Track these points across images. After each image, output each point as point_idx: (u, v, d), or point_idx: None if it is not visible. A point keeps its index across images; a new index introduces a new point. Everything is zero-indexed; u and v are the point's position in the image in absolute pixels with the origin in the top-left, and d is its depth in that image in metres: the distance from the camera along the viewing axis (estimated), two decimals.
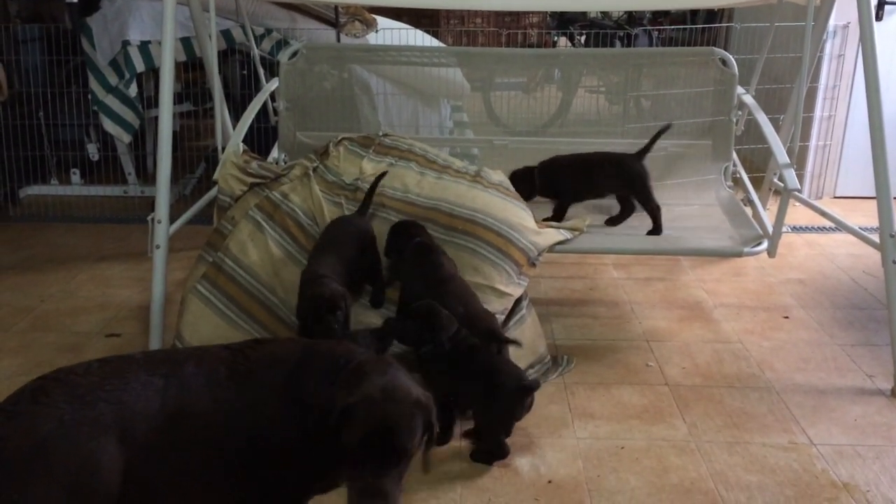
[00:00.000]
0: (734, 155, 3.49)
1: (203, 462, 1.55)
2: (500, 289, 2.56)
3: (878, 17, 4.50)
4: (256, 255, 2.59)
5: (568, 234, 2.87)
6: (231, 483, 1.58)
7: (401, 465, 1.50)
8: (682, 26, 5.45)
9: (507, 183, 2.94)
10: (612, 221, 3.10)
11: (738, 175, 3.55)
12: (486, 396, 2.15)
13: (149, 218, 2.76)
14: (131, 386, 1.52)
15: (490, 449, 2.20)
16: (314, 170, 2.83)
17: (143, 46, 4.21)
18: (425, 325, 2.15)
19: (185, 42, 4.17)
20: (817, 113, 4.69)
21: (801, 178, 4.67)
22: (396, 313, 2.45)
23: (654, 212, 3.00)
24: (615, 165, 3.06)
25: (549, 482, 2.09)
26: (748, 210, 3.28)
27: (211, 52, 3.25)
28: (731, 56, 3.43)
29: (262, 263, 2.58)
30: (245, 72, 4.55)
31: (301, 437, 1.57)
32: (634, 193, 3.04)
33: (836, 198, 4.86)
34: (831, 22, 4.13)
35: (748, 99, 3.39)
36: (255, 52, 3.81)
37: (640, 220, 3.31)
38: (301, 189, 2.74)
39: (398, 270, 2.54)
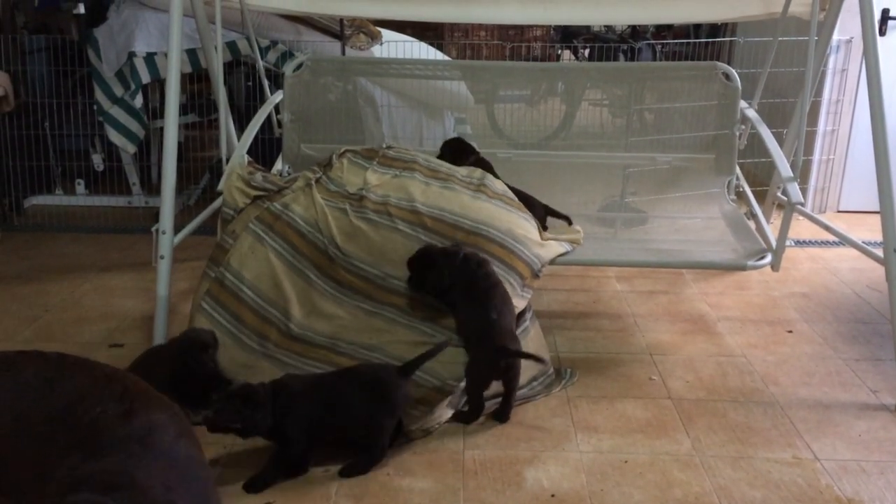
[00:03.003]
0: (737, 168, 3.50)
1: None
2: None
3: (882, 32, 4.51)
4: (257, 269, 2.59)
5: (569, 247, 2.87)
6: None
7: None
8: (685, 40, 5.47)
9: (510, 193, 2.94)
10: None
11: (741, 189, 3.56)
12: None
13: (153, 228, 2.77)
14: None
15: (472, 409, 2.37)
16: (317, 180, 2.84)
17: (149, 58, 4.23)
18: (243, 407, 2.03)
19: (191, 54, 4.19)
20: (821, 127, 4.70)
21: (804, 192, 4.68)
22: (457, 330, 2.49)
23: None
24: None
25: (553, 496, 2.08)
26: (751, 224, 3.28)
27: (216, 64, 3.26)
28: (734, 70, 3.44)
29: (262, 276, 2.58)
30: (250, 83, 4.57)
31: None
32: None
33: (839, 212, 4.86)
34: (835, 37, 4.14)
35: (751, 113, 3.40)
36: (261, 64, 3.83)
37: (644, 233, 3.32)
38: (303, 199, 2.75)
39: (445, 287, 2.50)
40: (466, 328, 2.42)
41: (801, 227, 4.35)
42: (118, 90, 4.32)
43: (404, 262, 2.58)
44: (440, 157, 3.13)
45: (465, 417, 2.40)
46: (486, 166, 3.10)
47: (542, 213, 2.99)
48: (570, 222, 3.04)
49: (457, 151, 3.18)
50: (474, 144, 3.75)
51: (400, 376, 2.18)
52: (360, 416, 2.14)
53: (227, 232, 2.75)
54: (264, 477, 2.10)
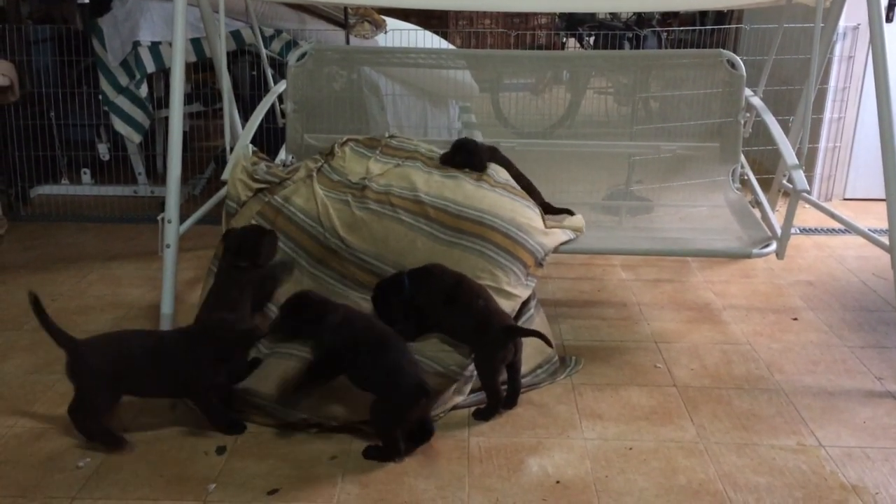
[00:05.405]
0: (742, 157, 3.49)
1: None
2: (508, 290, 2.56)
3: (889, 19, 4.48)
4: None
5: (572, 235, 2.87)
6: None
7: None
8: (691, 28, 5.45)
9: (513, 182, 2.93)
10: None
11: (746, 177, 3.55)
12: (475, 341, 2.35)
13: (159, 217, 2.78)
14: None
15: (492, 401, 2.36)
16: (318, 170, 2.84)
17: (154, 47, 4.23)
18: (304, 318, 2.21)
19: (196, 43, 4.19)
20: (827, 115, 4.68)
21: (810, 179, 4.68)
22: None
23: None
24: None
25: (557, 483, 2.09)
26: (757, 212, 3.27)
27: (221, 53, 3.26)
28: (738, 58, 3.42)
29: None
30: (255, 73, 4.56)
31: None
32: None
33: (845, 200, 4.85)
34: (841, 23, 4.12)
35: (756, 101, 3.39)
36: (264, 54, 3.82)
37: (649, 221, 3.32)
38: (304, 190, 2.74)
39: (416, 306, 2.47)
40: (462, 328, 2.40)
41: (806, 215, 4.34)
42: (123, 80, 4.32)
43: (406, 252, 2.59)
44: (449, 159, 2.90)
45: (487, 413, 2.38)
46: (498, 157, 3.00)
47: (540, 203, 2.96)
48: (571, 213, 3.03)
49: (472, 155, 2.90)
50: (478, 133, 3.74)
51: (420, 391, 2.14)
52: (367, 383, 2.19)
53: (231, 228, 2.75)
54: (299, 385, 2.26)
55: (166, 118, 3.61)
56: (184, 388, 2.27)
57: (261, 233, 2.57)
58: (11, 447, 2.21)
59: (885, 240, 2.72)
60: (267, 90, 3.64)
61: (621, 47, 5.48)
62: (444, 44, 4.76)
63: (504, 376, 2.41)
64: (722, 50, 3.49)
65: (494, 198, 2.73)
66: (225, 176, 2.87)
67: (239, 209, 2.78)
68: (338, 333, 2.20)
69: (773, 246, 2.87)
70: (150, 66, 4.26)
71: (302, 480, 2.08)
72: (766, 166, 4.37)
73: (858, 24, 4.45)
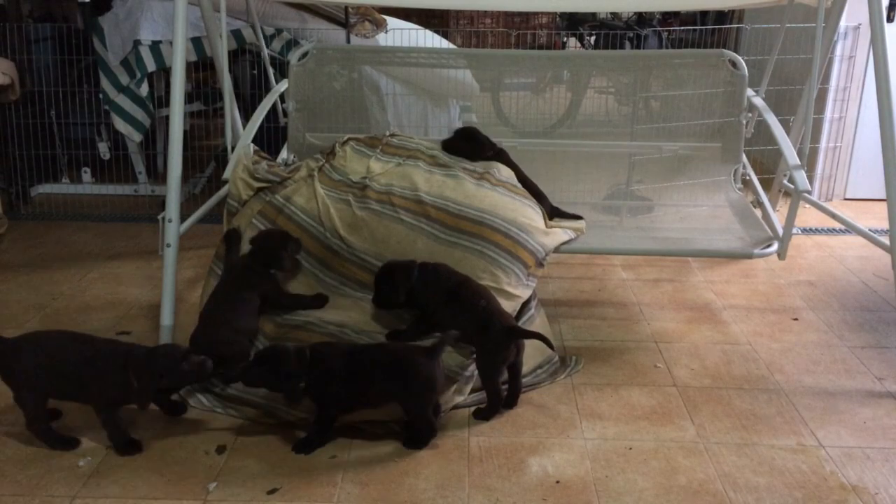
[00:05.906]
0: (744, 157, 3.49)
1: None
2: (508, 290, 2.56)
3: (890, 19, 4.48)
4: None
5: (573, 234, 2.87)
6: None
7: None
8: (692, 27, 5.45)
9: (515, 180, 2.93)
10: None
11: (747, 177, 3.55)
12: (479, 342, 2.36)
13: (159, 217, 2.78)
14: None
15: (493, 401, 2.37)
16: (319, 169, 2.83)
17: (155, 46, 4.23)
18: (272, 371, 2.16)
19: (196, 42, 4.19)
20: (828, 114, 4.68)
21: (811, 179, 4.68)
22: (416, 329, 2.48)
23: None
24: None
25: (557, 482, 2.09)
26: (758, 212, 3.27)
27: (221, 52, 3.26)
28: (740, 57, 3.42)
29: None
30: (255, 72, 4.56)
31: None
32: None
33: (846, 200, 4.84)
34: (842, 23, 4.12)
35: (758, 101, 3.39)
36: (265, 53, 3.82)
37: (650, 221, 3.31)
38: (305, 189, 2.74)
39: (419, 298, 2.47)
40: (464, 329, 2.39)
41: (807, 215, 4.34)
42: (123, 79, 4.32)
43: (407, 252, 2.58)
44: (451, 146, 2.96)
45: (487, 413, 2.38)
46: (504, 158, 2.99)
47: (548, 210, 2.95)
48: (579, 218, 3.01)
49: (473, 143, 2.96)
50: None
51: (427, 357, 2.19)
52: (383, 394, 2.20)
53: (232, 227, 2.75)
54: (311, 439, 2.22)
55: (167, 117, 3.61)
56: (113, 402, 2.20)
57: (285, 239, 2.56)
58: (11, 446, 2.21)
59: (885, 240, 2.72)
60: (268, 89, 3.64)
61: (622, 47, 5.48)
62: (444, 43, 4.76)
63: (505, 376, 2.41)
64: (724, 50, 3.48)
65: (495, 197, 2.73)
66: (226, 175, 2.87)
67: (240, 208, 2.78)
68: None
69: (775, 246, 2.87)
70: (151, 65, 4.26)
71: (302, 480, 2.08)
72: (768, 166, 4.37)
73: (859, 24, 4.45)
